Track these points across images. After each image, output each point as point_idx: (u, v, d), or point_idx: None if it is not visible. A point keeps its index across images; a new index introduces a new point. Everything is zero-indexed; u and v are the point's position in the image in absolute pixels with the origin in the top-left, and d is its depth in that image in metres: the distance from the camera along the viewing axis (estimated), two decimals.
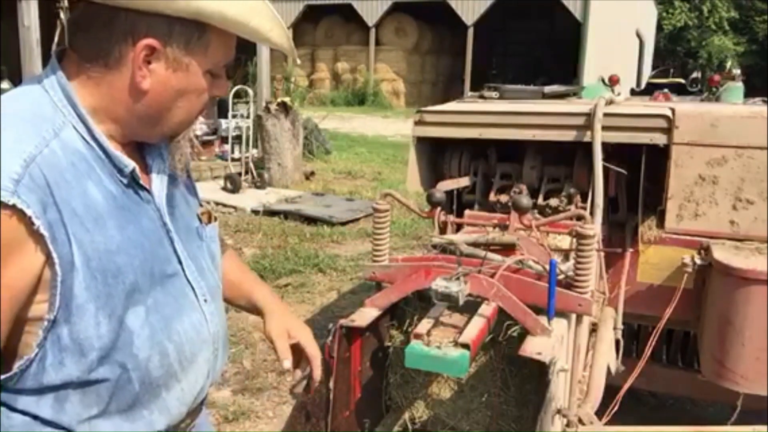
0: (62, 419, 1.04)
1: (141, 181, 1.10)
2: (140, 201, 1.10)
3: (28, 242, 0.94)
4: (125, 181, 1.08)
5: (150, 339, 1.07)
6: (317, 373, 1.43)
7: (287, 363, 1.36)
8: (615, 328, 2.55)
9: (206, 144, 9.35)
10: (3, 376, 1.00)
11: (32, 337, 0.99)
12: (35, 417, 1.03)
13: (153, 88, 1.06)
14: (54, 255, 0.95)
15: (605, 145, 2.55)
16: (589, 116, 2.57)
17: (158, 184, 1.15)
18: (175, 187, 1.21)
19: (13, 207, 0.91)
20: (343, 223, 6.99)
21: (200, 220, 1.25)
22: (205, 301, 1.19)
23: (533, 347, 1.64)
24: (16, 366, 1.00)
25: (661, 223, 2.65)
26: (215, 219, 1.30)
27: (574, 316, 1.95)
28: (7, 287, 0.94)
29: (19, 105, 1.03)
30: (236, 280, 1.43)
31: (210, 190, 7.99)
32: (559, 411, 1.66)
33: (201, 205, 1.29)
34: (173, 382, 1.13)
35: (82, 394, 1.04)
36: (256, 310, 1.44)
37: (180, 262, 1.15)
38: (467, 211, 2.64)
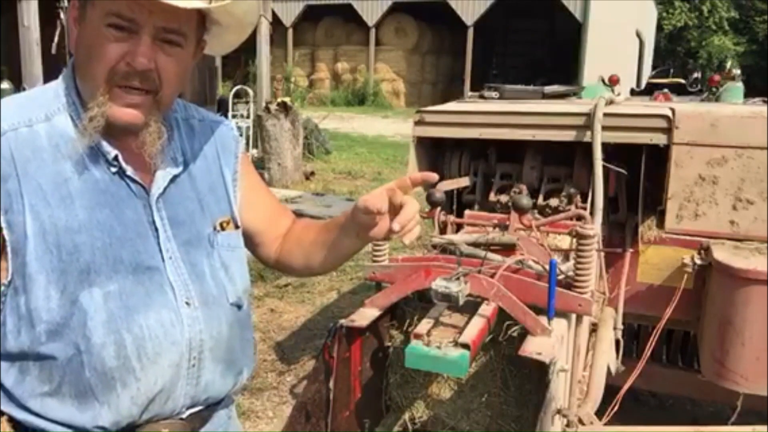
0: (18, 391, 1.10)
1: (131, 174, 1.13)
2: (129, 192, 1.13)
3: None
4: (113, 170, 1.12)
5: (106, 325, 1.08)
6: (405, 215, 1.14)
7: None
8: (615, 328, 2.54)
9: None
10: None
11: None
12: (1, 386, 1.10)
13: (75, 47, 1.11)
14: (2, 221, 1.04)
15: (605, 145, 2.55)
16: (589, 116, 2.57)
17: (159, 183, 1.16)
18: (190, 191, 1.21)
19: None
20: None
21: (216, 228, 1.23)
22: (187, 304, 1.15)
23: (533, 347, 1.64)
24: None
25: (661, 223, 2.65)
26: (236, 228, 1.27)
27: (574, 316, 1.95)
28: None
29: (26, 93, 1.17)
30: (320, 231, 1.33)
31: None
32: (559, 411, 1.66)
33: (231, 215, 1.27)
34: (130, 378, 1.10)
35: (39, 369, 1.08)
36: (349, 225, 1.24)
37: (163, 260, 1.14)
38: (467, 211, 2.64)
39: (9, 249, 1.04)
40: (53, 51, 7.27)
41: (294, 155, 9.07)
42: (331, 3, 22.05)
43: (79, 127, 1.09)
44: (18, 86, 7.44)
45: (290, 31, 22.33)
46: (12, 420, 1.11)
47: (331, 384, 1.78)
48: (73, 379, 1.08)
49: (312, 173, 9.57)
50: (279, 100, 8.99)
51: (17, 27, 7.01)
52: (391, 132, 14.62)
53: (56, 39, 7.33)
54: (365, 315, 1.87)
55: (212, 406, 1.25)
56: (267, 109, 8.87)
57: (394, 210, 1.16)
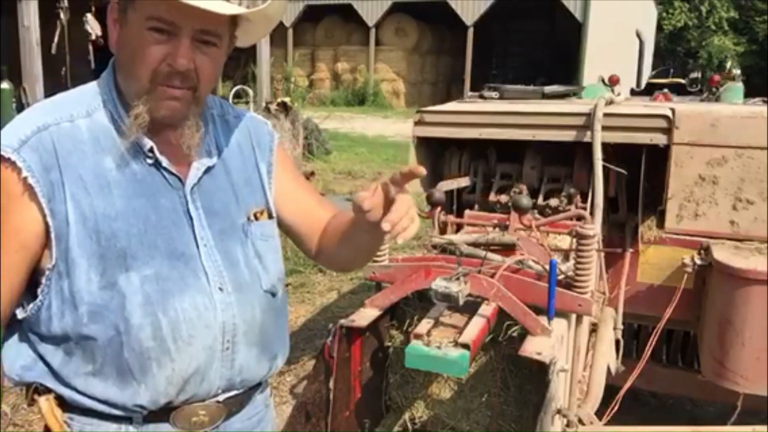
0: (64, 371, 1.16)
1: (166, 165, 1.18)
2: (166, 183, 1.19)
3: (26, 194, 1.10)
4: (150, 161, 1.18)
5: (143, 307, 1.13)
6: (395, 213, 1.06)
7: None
8: (615, 328, 2.55)
9: None
10: (21, 315, 1.16)
11: (42, 285, 1.14)
12: (48, 365, 1.17)
13: (117, 49, 1.18)
14: (46, 209, 1.10)
15: (605, 145, 2.55)
16: (589, 116, 2.57)
17: (193, 175, 1.21)
18: (225, 183, 1.26)
19: (13, 162, 1.09)
20: None
21: (250, 219, 1.27)
22: (221, 289, 1.20)
23: (533, 347, 1.64)
24: (29, 309, 1.15)
25: (661, 223, 2.65)
26: (270, 218, 1.31)
27: (574, 316, 1.95)
28: (15, 231, 1.10)
29: (67, 93, 1.23)
30: (347, 227, 1.26)
31: None
32: (559, 411, 1.66)
33: (266, 205, 1.30)
34: (166, 359, 1.16)
35: (82, 350, 1.15)
36: (359, 222, 1.17)
37: (197, 247, 1.19)
38: (467, 211, 2.64)
39: (53, 235, 1.10)
40: (53, 51, 7.28)
41: (294, 155, 9.06)
42: (331, 3, 22.04)
43: (125, 125, 1.15)
44: (18, 86, 7.44)
45: (290, 31, 22.31)
46: (58, 397, 1.18)
47: (331, 384, 1.78)
48: (114, 359, 1.14)
49: (312, 173, 9.55)
50: (279, 100, 8.99)
51: (17, 27, 7.02)
52: (392, 132, 14.60)
53: (56, 39, 7.33)
54: (365, 315, 1.87)
55: (249, 391, 1.30)
56: (267, 109, 8.86)
57: (389, 207, 1.07)
